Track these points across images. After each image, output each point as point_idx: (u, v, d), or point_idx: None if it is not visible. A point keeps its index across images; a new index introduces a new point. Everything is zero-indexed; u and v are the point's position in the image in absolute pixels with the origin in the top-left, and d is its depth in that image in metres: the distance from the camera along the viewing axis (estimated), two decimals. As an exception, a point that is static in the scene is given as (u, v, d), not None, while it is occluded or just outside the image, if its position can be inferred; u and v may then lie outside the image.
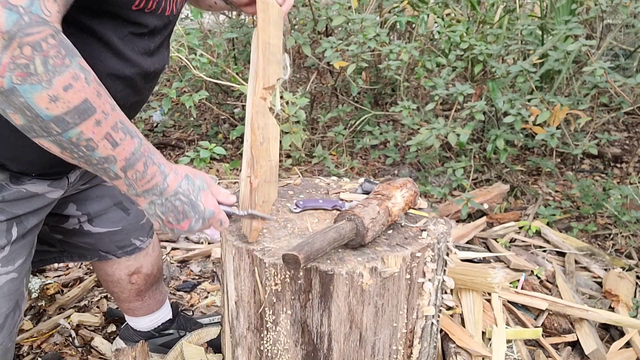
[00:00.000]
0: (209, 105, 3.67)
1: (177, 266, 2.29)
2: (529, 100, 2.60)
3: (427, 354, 1.23)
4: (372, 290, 1.04)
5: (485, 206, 2.66)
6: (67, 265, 2.22)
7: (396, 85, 3.46)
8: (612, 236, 2.59)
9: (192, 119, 3.99)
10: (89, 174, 1.29)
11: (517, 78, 2.62)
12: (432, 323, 1.20)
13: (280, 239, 1.12)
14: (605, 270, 2.24)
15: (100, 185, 1.36)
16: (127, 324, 1.65)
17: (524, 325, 1.79)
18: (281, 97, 2.52)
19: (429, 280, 1.11)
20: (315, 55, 3.24)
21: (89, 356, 1.72)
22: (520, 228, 2.57)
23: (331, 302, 1.03)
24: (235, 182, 2.92)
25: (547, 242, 2.46)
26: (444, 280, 1.20)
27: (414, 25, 3.29)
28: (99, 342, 1.75)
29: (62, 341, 1.78)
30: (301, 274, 1.02)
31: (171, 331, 1.65)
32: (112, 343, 1.74)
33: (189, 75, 2.91)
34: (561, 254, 2.38)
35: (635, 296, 2.03)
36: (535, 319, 1.84)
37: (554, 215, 2.67)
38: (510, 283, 2.00)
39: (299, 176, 1.66)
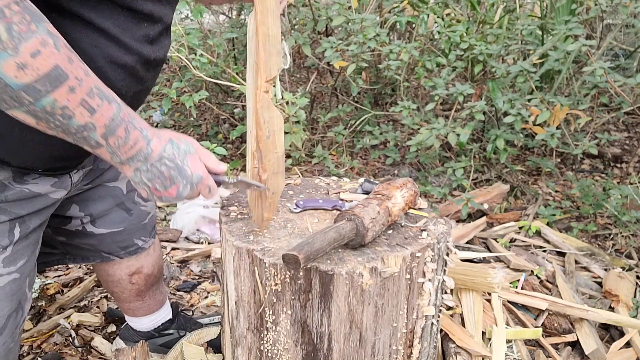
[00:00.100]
0: (209, 105, 3.67)
1: (177, 266, 2.29)
2: (529, 100, 2.60)
3: (427, 354, 1.23)
4: (372, 290, 1.04)
5: (485, 206, 2.66)
6: (67, 266, 2.22)
7: (396, 85, 3.46)
8: (612, 236, 2.59)
9: (192, 119, 3.99)
10: (92, 174, 1.28)
11: (517, 78, 2.62)
12: (432, 323, 1.20)
13: (280, 239, 1.12)
14: (605, 270, 2.24)
15: (102, 185, 1.35)
16: (127, 324, 1.65)
17: (524, 325, 1.79)
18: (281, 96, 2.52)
19: (429, 280, 1.11)
20: (315, 55, 3.24)
21: (89, 356, 1.72)
22: (520, 228, 2.57)
23: (331, 302, 1.03)
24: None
25: (547, 242, 2.46)
26: (444, 280, 1.20)
27: (414, 25, 3.29)
28: (99, 342, 1.75)
29: (62, 341, 1.78)
30: (301, 274, 1.02)
31: (171, 331, 1.65)
32: (112, 343, 1.74)
33: (189, 75, 2.91)
34: (561, 254, 2.38)
35: (635, 296, 2.03)
36: (535, 319, 1.84)
37: (554, 215, 2.67)
38: (510, 283, 2.00)
39: (299, 176, 1.66)
